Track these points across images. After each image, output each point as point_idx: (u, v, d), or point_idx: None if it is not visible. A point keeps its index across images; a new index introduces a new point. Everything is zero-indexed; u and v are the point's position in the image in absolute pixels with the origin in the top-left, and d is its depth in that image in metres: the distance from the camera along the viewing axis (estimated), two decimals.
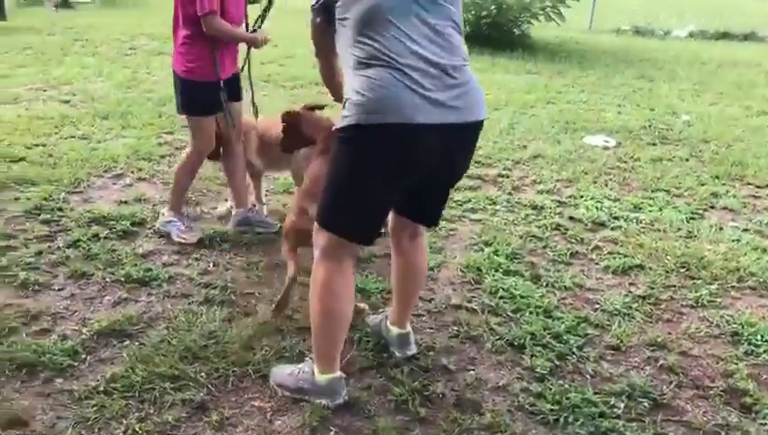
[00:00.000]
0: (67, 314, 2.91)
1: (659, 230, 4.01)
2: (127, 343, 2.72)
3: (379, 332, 2.76)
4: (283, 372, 2.48)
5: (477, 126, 2.23)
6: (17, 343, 2.65)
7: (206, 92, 3.47)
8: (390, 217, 2.48)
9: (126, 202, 4.12)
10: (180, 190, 3.76)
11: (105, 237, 3.61)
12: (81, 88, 7.10)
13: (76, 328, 2.80)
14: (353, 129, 2.12)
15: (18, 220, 3.79)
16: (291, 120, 3.01)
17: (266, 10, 3.61)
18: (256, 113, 3.85)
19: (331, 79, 2.52)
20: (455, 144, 2.21)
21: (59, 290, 3.10)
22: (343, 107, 2.17)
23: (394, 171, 2.16)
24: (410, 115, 2.05)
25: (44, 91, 6.96)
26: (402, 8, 2.07)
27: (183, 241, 3.61)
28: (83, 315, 2.90)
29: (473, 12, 10.54)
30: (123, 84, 7.33)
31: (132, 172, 4.64)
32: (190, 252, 3.53)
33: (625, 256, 3.62)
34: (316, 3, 2.27)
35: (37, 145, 5.07)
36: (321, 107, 3.10)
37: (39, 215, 3.84)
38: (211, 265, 3.39)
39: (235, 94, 3.66)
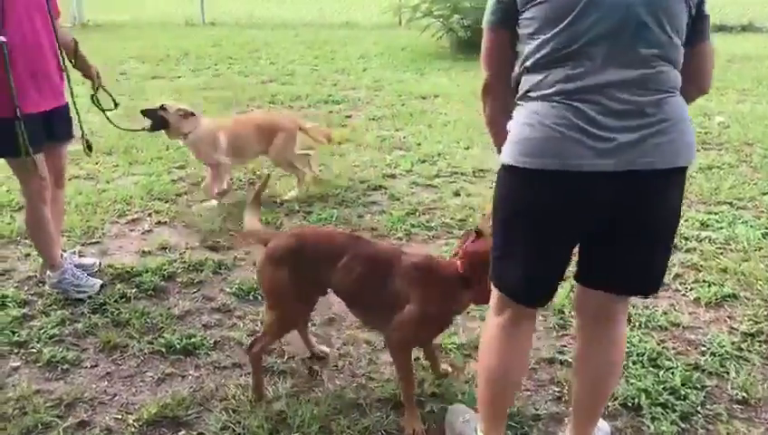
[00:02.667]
0: (106, 398, 2.51)
1: (738, 251, 3.67)
2: (183, 433, 2.32)
3: None
4: (457, 419, 2.28)
5: (670, 173, 1.72)
6: None
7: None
8: (576, 289, 2.01)
9: (149, 252, 3.71)
10: (45, 246, 3.21)
11: (134, 297, 3.20)
12: (74, 120, 6.64)
13: (119, 416, 2.41)
14: (507, 169, 1.80)
15: (32, 282, 3.38)
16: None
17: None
18: (88, 149, 3.43)
19: (501, 121, 1.88)
20: (637, 193, 1.72)
21: (92, 368, 2.70)
22: None
23: (552, 223, 1.77)
24: (576, 162, 1.66)
25: None
26: (601, 33, 1.65)
27: (85, 295, 3.17)
28: (125, 399, 2.50)
29: (471, 17, 10.38)
30: (121, 115, 6.87)
31: (150, 216, 4.24)
32: (232, 310, 3.13)
33: (713, 285, 3.27)
34: (494, 9, 1.82)
35: None
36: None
37: None
38: (259, 324, 2.99)
39: (61, 131, 3.14)
